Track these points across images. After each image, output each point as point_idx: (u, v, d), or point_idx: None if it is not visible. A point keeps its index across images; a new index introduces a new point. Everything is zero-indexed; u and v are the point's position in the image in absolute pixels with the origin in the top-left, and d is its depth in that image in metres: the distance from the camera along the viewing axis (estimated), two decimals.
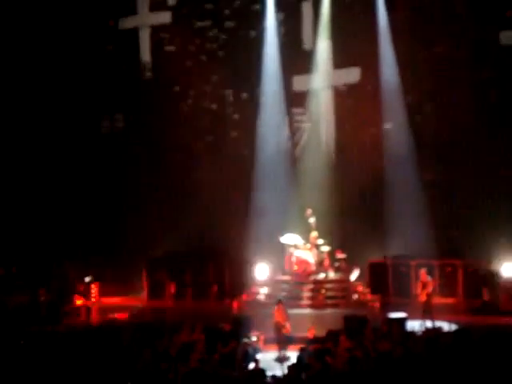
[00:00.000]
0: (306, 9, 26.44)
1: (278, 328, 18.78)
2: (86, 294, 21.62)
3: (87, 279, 22.10)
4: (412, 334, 16.53)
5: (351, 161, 25.60)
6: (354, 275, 23.63)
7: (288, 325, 18.90)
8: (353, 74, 26.00)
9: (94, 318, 21.77)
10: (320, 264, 23.47)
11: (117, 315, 21.59)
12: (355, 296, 23.07)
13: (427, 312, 20.03)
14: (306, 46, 26.42)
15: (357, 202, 25.37)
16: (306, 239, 23.54)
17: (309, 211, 23.64)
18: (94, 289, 21.93)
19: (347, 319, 18.35)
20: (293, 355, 16.74)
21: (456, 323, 19.32)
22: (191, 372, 12.88)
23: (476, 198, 24.25)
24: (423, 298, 20.23)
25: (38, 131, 25.78)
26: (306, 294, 22.79)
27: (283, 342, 18.61)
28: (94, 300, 21.92)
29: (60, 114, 25.95)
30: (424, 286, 20.36)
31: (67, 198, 25.63)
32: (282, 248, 23.77)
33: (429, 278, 20.52)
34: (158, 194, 26.11)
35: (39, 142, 25.77)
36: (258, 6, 26.22)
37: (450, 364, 13.06)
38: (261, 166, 25.58)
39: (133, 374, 13.22)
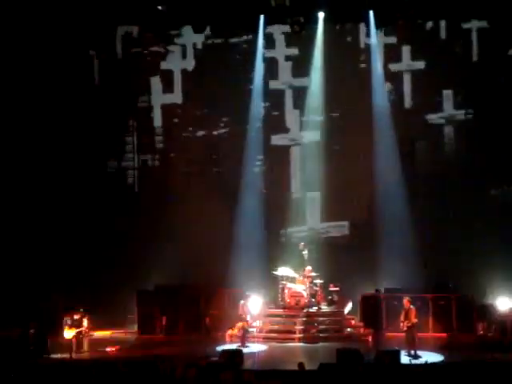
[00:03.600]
0: (294, 156, 26.49)
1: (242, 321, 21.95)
2: (76, 327, 21.37)
3: (78, 312, 21.85)
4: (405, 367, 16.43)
5: (342, 193, 25.57)
6: (348, 308, 23.51)
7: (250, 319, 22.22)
8: (341, 228, 25.99)
9: (85, 351, 21.53)
10: (313, 297, 23.38)
11: (108, 349, 21.38)
12: (348, 329, 22.94)
13: (411, 341, 19.96)
14: (294, 195, 26.35)
15: (349, 234, 25.41)
16: (299, 272, 23.48)
17: (301, 244, 23.64)
18: (84, 321, 21.69)
19: (340, 353, 18.16)
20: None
21: (449, 357, 19.24)
22: None
23: (469, 232, 24.24)
24: (404, 326, 20.17)
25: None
26: (299, 327, 22.65)
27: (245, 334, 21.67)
28: (84, 333, 21.68)
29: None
30: (406, 314, 20.29)
31: (55, 230, 25.50)
32: (275, 281, 23.71)
33: (412, 307, 20.43)
34: (147, 226, 25.91)
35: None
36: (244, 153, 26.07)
37: None
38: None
39: None
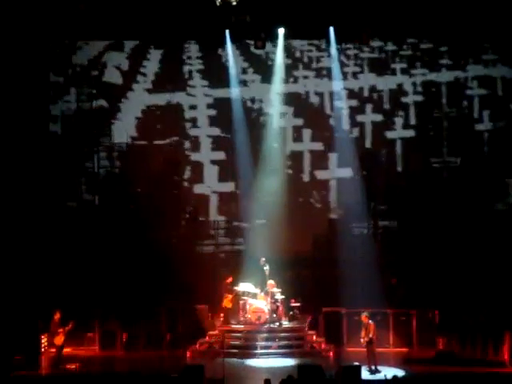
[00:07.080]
0: None
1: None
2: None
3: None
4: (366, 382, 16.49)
5: (304, 208, 25.68)
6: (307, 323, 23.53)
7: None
8: None
9: (45, 368, 21.28)
10: (274, 313, 23.34)
11: (67, 365, 21.13)
12: (309, 345, 22.92)
13: (371, 356, 20.07)
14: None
15: (311, 249, 25.46)
16: (260, 287, 23.45)
17: (262, 259, 23.58)
18: (43, 338, 21.43)
19: (301, 368, 18.14)
20: None
21: (409, 372, 19.33)
22: None
23: (428, 247, 24.52)
24: (364, 342, 20.27)
25: None
26: (260, 342, 22.61)
27: None
28: (44, 350, 21.41)
29: None
30: (366, 329, 20.38)
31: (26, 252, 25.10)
32: (237, 296, 23.67)
33: (370, 322, 20.52)
34: (109, 244, 25.75)
35: None
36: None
37: None
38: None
39: None
